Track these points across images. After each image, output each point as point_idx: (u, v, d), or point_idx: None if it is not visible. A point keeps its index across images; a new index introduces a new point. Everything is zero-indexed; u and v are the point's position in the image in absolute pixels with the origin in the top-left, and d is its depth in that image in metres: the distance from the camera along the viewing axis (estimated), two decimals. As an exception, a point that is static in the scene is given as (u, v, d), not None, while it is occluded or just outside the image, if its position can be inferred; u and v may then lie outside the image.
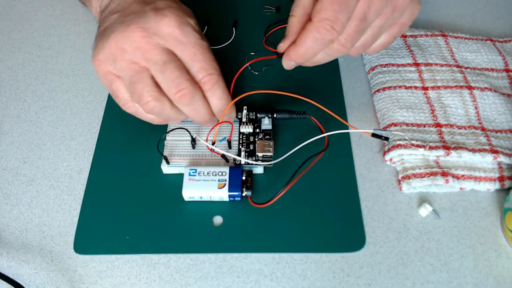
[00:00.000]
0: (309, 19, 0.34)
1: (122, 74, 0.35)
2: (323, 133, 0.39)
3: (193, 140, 0.39)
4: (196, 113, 0.36)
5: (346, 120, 0.43)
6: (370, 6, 0.33)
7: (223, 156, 0.39)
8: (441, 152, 0.38)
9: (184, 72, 0.34)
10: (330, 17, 0.32)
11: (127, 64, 0.34)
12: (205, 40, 0.36)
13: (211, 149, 0.39)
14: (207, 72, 0.35)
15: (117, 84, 0.36)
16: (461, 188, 0.38)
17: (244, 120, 0.41)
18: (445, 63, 0.45)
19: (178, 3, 0.37)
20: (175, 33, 0.34)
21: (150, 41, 0.34)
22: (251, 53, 0.48)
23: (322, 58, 0.36)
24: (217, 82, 0.35)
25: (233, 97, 0.40)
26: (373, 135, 0.38)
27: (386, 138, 0.39)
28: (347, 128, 0.40)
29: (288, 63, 0.37)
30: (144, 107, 0.35)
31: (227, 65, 0.47)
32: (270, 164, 0.39)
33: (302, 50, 0.35)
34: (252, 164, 0.39)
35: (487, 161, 0.39)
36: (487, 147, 0.39)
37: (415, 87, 0.43)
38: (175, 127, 0.41)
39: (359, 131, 0.41)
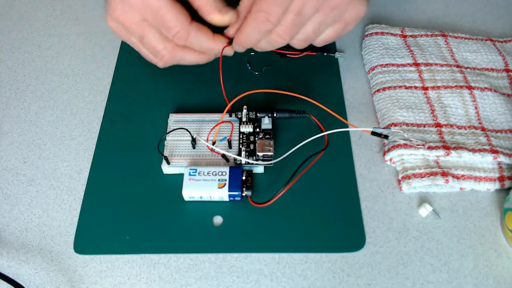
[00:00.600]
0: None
1: (132, 32, 0.39)
2: (323, 132, 0.39)
3: (193, 140, 0.39)
4: (204, 46, 0.39)
5: (346, 120, 0.43)
6: (306, 3, 0.35)
7: (223, 156, 0.39)
8: (441, 152, 0.38)
9: (179, 14, 0.36)
10: (265, 9, 0.35)
11: (131, 18, 0.38)
12: None
13: (212, 149, 0.39)
14: (175, 30, 0.37)
15: (133, 42, 0.41)
16: (461, 188, 0.38)
17: (244, 119, 0.41)
18: (445, 63, 0.45)
19: None
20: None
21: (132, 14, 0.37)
22: (251, 53, 0.48)
23: (265, 46, 0.39)
24: (187, 35, 0.37)
25: (233, 97, 0.40)
26: (373, 133, 0.38)
27: (386, 136, 0.39)
28: (347, 127, 0.40)
29: (236, 47, 0.40)
30: (159, 58, 0.40)
31: (227, 65, 0.47)
32: (271, 164, 0.39)
33: (244, 37, 0.37)
34: (252, 163, 0.39)
35: (487, 161, 0.39)
36: (487, 147, 0.39)
37: (415, 87, 0.43)
38: (175, 128, 0.41)
39: (358, 129, 0.41)
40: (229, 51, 0.40)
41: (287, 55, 0.47)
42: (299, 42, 0.39)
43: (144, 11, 0.36)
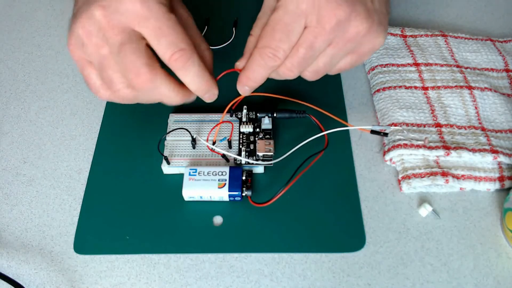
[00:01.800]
0: None
1: (92, 59, 0.32)
2: (323, 132, 0.39)
3: (194, 140, 0.39)
4: (163, 100, 0.33)
5: (346, 120, 0.43)
6: (317, 36, 0.32)
7: (223, 156, 0.39)
8: (441, 152, 0.38)
9: (142, 55, 0.31)
10: (271, 45, 0.32)
11: (94, 49, 0.31)
12: (173, 14, 0.32)
13: (212, 149, 0.39)
14: (177, 47, 0.31)
15: (88, 71, 0.34)
16: (461, 188, 0.38)
17: (244, 119, 0.41)
18: (445, 63, 0.45)
19: None
20: (136, 8, 0.30)
21: (110, 19, 0.30)
22: (251, 53, 0.48)
23: (273, 75, 0.36)
24: (190, 57, 0.31)
25: (233, 98, 0.40)
26: (372, 131, 0.38)
27: (386, 134, 0.38)
28: (347, 126, 0.40)
29: (242, 89, 0.36)
30: (115, 96, 0.33)
31: (227, 65, 0.47)
32: (271, 164, 0.39)
33: (250, 73, 0.34)
34: (252, 164, 0.39)
35: (487, 161, 0.39)
36: (487, 147, 0.39)
37: (415, 87, 0.43)
38: (175, 128, 0.41)
39: (357, 128, 0.41)
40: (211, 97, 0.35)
41: None
42: (310, 75, 0.36)
43: (138, 23, 0.30)
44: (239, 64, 0.36)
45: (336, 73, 0.37)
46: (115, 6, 0.30)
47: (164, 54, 0.31)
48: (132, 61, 0.30)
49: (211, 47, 0.42)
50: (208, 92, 0.34)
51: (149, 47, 0.32)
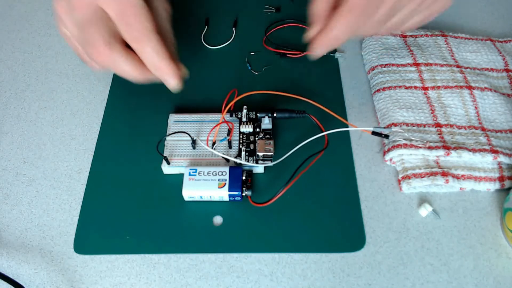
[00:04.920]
0: (334, 5, 0.34)
1: (71, 34, 0.36)
2: (323, 132, 0.39)
3: (194, 142, 0.39)
4: (124, 74, 0.35)
5: (346, 120, 0.43)
6: None
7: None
8: (441, 152, 0.38)
9: (102, 33, 0.33)
10: (361, 4, 0.33)
11: (68, 23, 0.35)
12: (142, 1, 0.33)
13: (213, 148, 0.39)
14: (136, 30, 0.33)
15: (71, 44, 0.38)
16: (461, 188, 0.38)
17: (244, 119, 0.41)
18: (445, 63, 0.45)
19: None
20: None
21: None
22: (251, 53, 0.48)
23: (346, 34, 0.36)
24: (147, 40, 0.33)
25: (233, 97, 0.40)
26: (373, 133, 0.38)
27: (386, 136, 0.39)
28: (347, 127, 0.40)
29: (319, 50, 0.36)
30: (91, 67, 0.36)
31: (227, 65, 0.47)
32: (271, 164, 0.39)
33: (333, 35, 0.34)
34: (252, 165, 0.39)
35: (487, 161, 0.39)
36: (487, 147, 0.39)
37: (415, 87, 0.43)
38: (176, 130, 0.41)
39: (358, 129, 0.41)
40: (172, 84, 0.36)
41: (287, 55, 0.47)
42: (385, 31, 0.37)
43: (103, 1, 0.32)
44: (312, 31, 0.36)
45: (402, 30, 0.39)
46: None
47: (124, 34, 0.33)
48: (93, 38, 0.33)
49: (211, 47, 0.43)
50: (166, 76, 0.35)
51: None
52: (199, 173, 0.37)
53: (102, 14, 0.33)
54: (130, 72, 0.35)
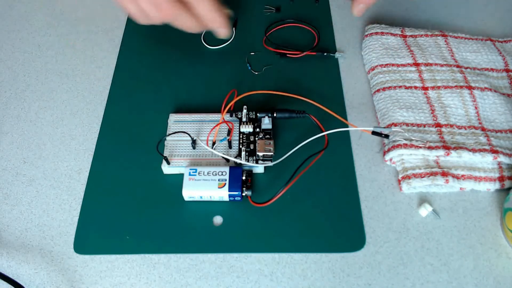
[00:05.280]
0: None
1: None
2: (323, 132, 0.39)
3: (194, 142, 0.39)
4: (184, 27, 0.39)
5: (346, 120, 0.43)
6: None
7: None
8: (441, 152, 0.38)
9: None
10: None
11: None
12: None
13: (213, 148, 0.39)
14: None
15: (126, 2, 0.39)
16: (461, 188, 0.38)
17: (244, 119, 0.41)
18: (445, 63, 0.45)
19: None
20: None
21: None
22: (251, 53, 0.48)
23: None
24: None
25: (233, 97, 0.40)
26: (373, 132, 0.38)
27: (387, 136, 0.39)
28: (347, 127, 0.40)
29: (358, 7, 0.40)
30: (150, 21, 0.39)
31: (227, 65, 0.47)
32: (271, 164, 0.39)
33: None
34: (252, 165, 0.39)
35: (487, 161, 0.39)
36: (487, 147, 0.39)
37: (415, 87, 0.43)
38: (176, 129, 0.41)
39: (358, 129, 0.41)
40: (223, 33, 0.40)
41: (287, 55, 0.47)
42: None
43: None
44: (356, 6, 0.40)
45: None
46: None
47: None
48: None
49: (211, 47, 0.43)
50: (218, 27, 0.40)
51: None
52: (199, 173, 0.37)
53: None
54: (188, 24, 0.39)
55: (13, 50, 0.50)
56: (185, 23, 0.39)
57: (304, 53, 0.47)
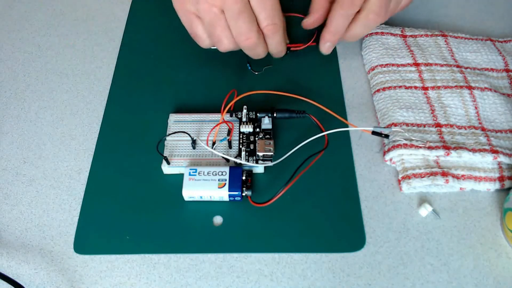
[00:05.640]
0: None
1: (202, 16, 0.39)
2: (323, 132, 0.39)
3: (194, 142, 0.39)
4: (254, 55, 0.42)
5: (346, 120, 0.43)
6: None
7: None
8: (441, 152, 0.38)
9: (253, 22, 0.38)
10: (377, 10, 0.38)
11: (208, 7, 0.38)
12: None
13: (213, 148, 0.39)
14: (272, 21, 0.39)
15: (197, 24, 0.40)
16: (461, 188, 0.38)
17: (244, 119, 0.41)
18: (445, 63, 0.45)
19: None
20: None
21: None
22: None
23: (361, 30, 0.41)
24: (277, 31, 0.40)
25: (233, 97, 0.40)
26: (373, 132, 0.38)
27: (387, 136, 0.39)
28: (347, 127, 0.40)
29: (325, 46, 0.43)
30: (220, 48, 0.41)
31: (227, 65, 0.47)
32: (271, 164, 0.39)
33: (332, 27, 0.41)
34: (252, 165, 0.39)
35: (487, 161, 0.39)
36: (487, 147, 0.39)
37: (415, 87, 0.43)
38: (176, 129, 0.41)
39: (358, 129, 0.41)
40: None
41: (291, 48, 0.46)
42: (387, 16, 0.41)
43: None
44: (307, 20, 0.43)
45: (396, 12, 0.43)
46: None
47: (261, 23, 0.39)
48: (248, 27, 0.38)
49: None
50: (280, 54, 0.43)
51: None
52: (199, 173, 0.37)
53: (248, 2, 0.38)
54: (259, 53, 0.42)
55: (13, 50, 0.50)
56: (257, 52, 0.41)
57: (306, 45, 0.46)
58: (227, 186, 0.37)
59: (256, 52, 0.41)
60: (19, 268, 0.35)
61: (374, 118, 0.43)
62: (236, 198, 0.37)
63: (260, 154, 0.39)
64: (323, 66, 0.47)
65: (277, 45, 0.41)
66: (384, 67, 0.45)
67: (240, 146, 0.40)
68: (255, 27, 0.39)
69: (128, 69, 0.47)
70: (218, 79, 0.46)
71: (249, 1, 0.37)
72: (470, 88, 0.43)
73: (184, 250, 0.36)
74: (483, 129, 0.40)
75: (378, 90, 0.44)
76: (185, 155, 0.39)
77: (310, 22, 0.43)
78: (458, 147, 0.39)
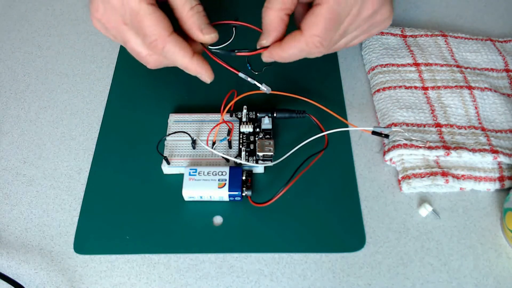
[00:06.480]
0: (288, 15, 0.35)
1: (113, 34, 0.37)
2: (323, 132, 0.39)
3: (194, 142, 0.39)
4: (174, 64, 0.37)
5: (346, 120, 0.42)
6: (353, 23, 0.35)
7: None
8: (441, 152, 0.38)
9: (141, 43, 0.35)
10: (321, 35, 0.34)
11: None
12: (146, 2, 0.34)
13: (213, 148, 0.39)
14: (151, 39, 0.34)
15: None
16: (461, 188, 0.38)
17: (244, 119, 0.41)
18: (445, 63, 0.45)
19: None
20: (130, 4, 0.33)
21: (117, 16, 0.35)
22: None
23: (297, 58, 0.37)
24: (163, 47, 0.34)
25: (233, 97, 0.40)
26: (373, 132, 0.38)
27: (387, 136, 0.39)
28: (347, 127, 0.40)
29: (268, 59, 0.38)
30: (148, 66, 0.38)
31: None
32: (271, 164, 0.39)
33: (287, 55, 0.36)
34: (252, 165, 0.39)
35: (487, 161, 0.39)
36: (487, 147, 0.39)
37: (415, 87, 0.43)
38: (176, 129, 0.41)
39: (358, 128, 0.41)
40: (205, 78, 0.38)
41: (236, 52, 0.46)
42: (331, 50, 0.38)
43: (124, 13, 0.34)
44: (265, 43, 0.37)
45: (347, 47, 0.40)
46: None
47: (143, 44, 0.35)
48: (137, 54, 0.36)
49: (211, 48, 0.43)
50: (198, 74, 0.37)
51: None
52: (199, 173, 0.37)
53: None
54: (183, 62, 0.36)
55: (13, 50, 0.50)
56: (174, 63, 0.36)
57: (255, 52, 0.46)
58: (227, 186, 0.37)
59: (170, 63, 0.37)
60: (19, 268, 0.35)
61: (374, 118, 0.43)
62: (236, 198, 0.37)
63: (260, 154, 0.39)
64: (323, 66, 0.47)
65: (175, 61, 0.36)
66: (384, 67, 0.45)
67: (240, 146, 0.40)
68: (161, 27, 0.34)
69: (128, 69, 0.47)
70: (218, 79, 0.46)
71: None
72: (470, 88, 0.43)
73: (184, 250, 0.36)
74: (483, 129, 0.40)
75: (378, 90, 0.44)
76: (185, 155, 0.39)
77: (268, 44, 0.37)
78: (458, 147, 0.39)
